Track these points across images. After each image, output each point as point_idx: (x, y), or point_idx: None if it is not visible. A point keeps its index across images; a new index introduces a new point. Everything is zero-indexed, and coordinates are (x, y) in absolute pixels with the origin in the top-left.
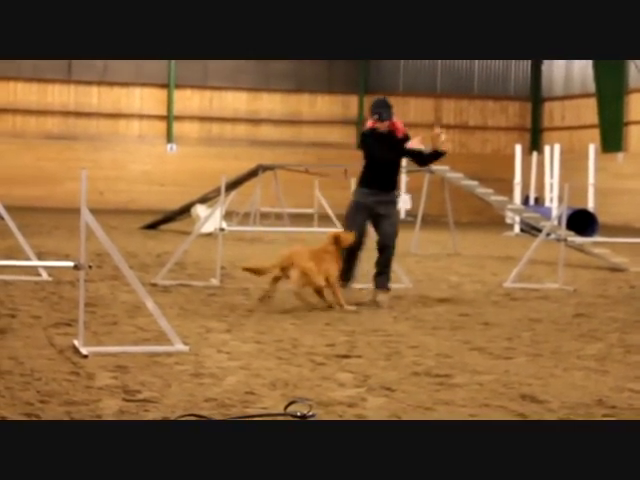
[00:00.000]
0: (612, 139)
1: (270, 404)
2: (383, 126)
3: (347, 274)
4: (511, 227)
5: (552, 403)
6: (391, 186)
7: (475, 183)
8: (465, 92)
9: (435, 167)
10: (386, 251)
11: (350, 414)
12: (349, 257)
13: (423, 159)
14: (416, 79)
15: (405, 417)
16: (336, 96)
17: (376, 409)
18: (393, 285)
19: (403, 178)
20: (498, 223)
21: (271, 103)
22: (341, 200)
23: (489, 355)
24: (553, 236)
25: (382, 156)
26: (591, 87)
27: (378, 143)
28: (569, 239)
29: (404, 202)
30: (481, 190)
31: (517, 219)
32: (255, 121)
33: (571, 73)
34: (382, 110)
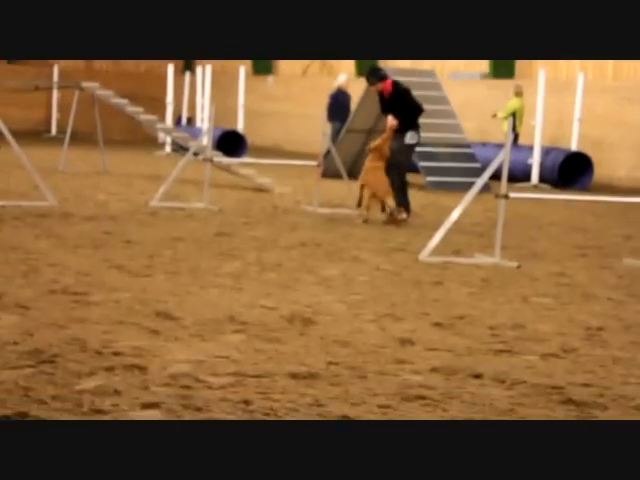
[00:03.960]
0: (262, 62)
1: None
2: (375, 89)
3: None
4: (163, 146)
5: (185, 319)
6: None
7: (125, 101)
8: None
9: (85, 84)
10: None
11: None
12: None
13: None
14: None
15: (37, 335)
16: None
17: (8, 327)
18: (38, 203)
19: (54, 94)
20: (151, 142)
21: None
22: None
23: (128, 273)
24: (201, 156)
25: (382, 112)
26: None
27: (379, 102)
28: (216, 159)
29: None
30: (131, 109)
31: (168, 139)
32: None
33: None
34: (369, 76)
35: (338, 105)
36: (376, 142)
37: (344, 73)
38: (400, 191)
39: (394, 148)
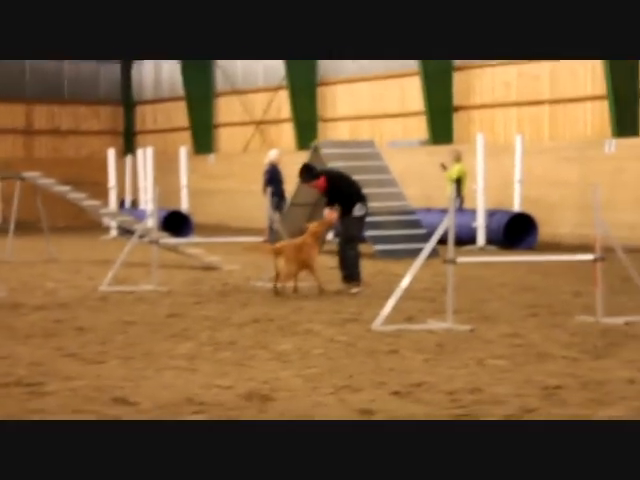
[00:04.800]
0: (203, 141)
1: None
2: (310, 186)
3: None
4: (108, 231)
5: (143, 404)
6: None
7: (67, 188)
8: (56, 96)
9: (26, 174)
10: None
11: None
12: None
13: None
14: (3, 83)
15: None
16: None
17: None
18: None
19: None
20: (96, 227)
21: None
22: None
23: (82, 360)
24: (147, 238)
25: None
26: (180, 90)
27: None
28: (162, 240)
29: None
30: (74, 195)
31: (113, 223)
32: None
33: (160, 76)
34: (302, 175)
35: (274, 180)
36: (315, 225)
37: (275, 149)
38: (354, 265)
39: (345, 225)
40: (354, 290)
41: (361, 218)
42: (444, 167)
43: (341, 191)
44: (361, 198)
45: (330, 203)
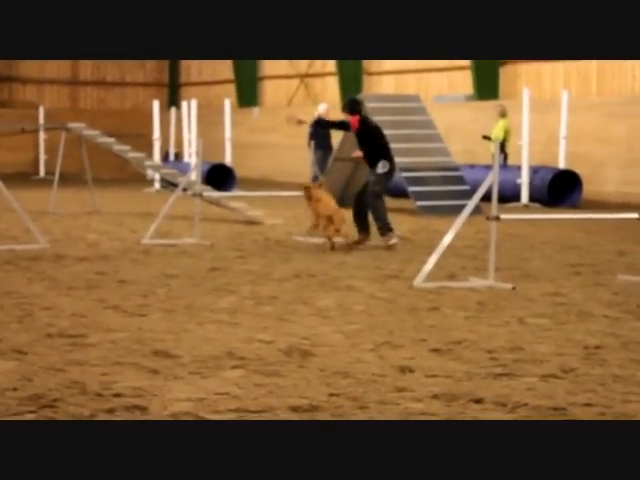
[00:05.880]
0: (247, 94)
1: None
2: (345, 117)
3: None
4: (152, 183)
5: (183, 357)
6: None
7: (112, 140)
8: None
9: (71, 125)
10: None
11: None
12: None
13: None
14: None
15: (36, 380)
16: None
17: (7, 373)
18: (29, 246)
19: (41, 137)
20: (139, 180)
21: None
22: None
23: (124, 313)
24: (190, 191)
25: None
26: None
27: None
28: (205, 194)
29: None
30: (119, 147)
31: (157, 175)
32: None
33: None
34: (344, 106)
35: (319, 134)
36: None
37: (324, 103)
38: (384, 218)
39: (370, 181)
40: (392, 241)
41: (385, 174)
42: (487, 138)
43: (370, 140)
44: (386, 155)
45: (359, 145)
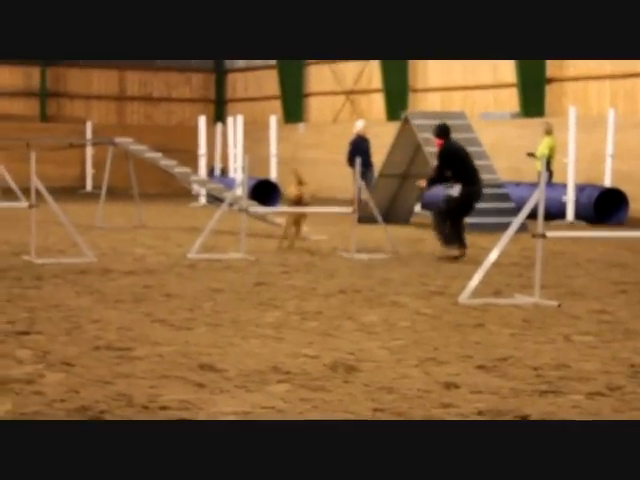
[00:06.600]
0: (293, 110)
1: None
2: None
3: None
4: (197, 198)
5: (229, 371)
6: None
7: (159, 155)
8: (148, 63)
9: (119, 140)
10: None
11: (28, 391)
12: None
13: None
14: None
15: (83, 391)
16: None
17: (55, 385)
18: (77, 260)
19: (88, 151)
20: (185, 194)
21: None
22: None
23: (170, 326)
24: (236, 206)
25: None
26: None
27: None
28: (251, 209)
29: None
30: (165, 162)
31: (202, 190)
32: None
33: None
34: (434, 129)
35: (359, 151)
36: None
37: (362, 119)
38: (441, 232)
39: (446, 199)
40: (454, 254)
41: (457, 199)
42: (532, 155)
43: (448, 163)
44: (465, 180)
45: (437, 166)
